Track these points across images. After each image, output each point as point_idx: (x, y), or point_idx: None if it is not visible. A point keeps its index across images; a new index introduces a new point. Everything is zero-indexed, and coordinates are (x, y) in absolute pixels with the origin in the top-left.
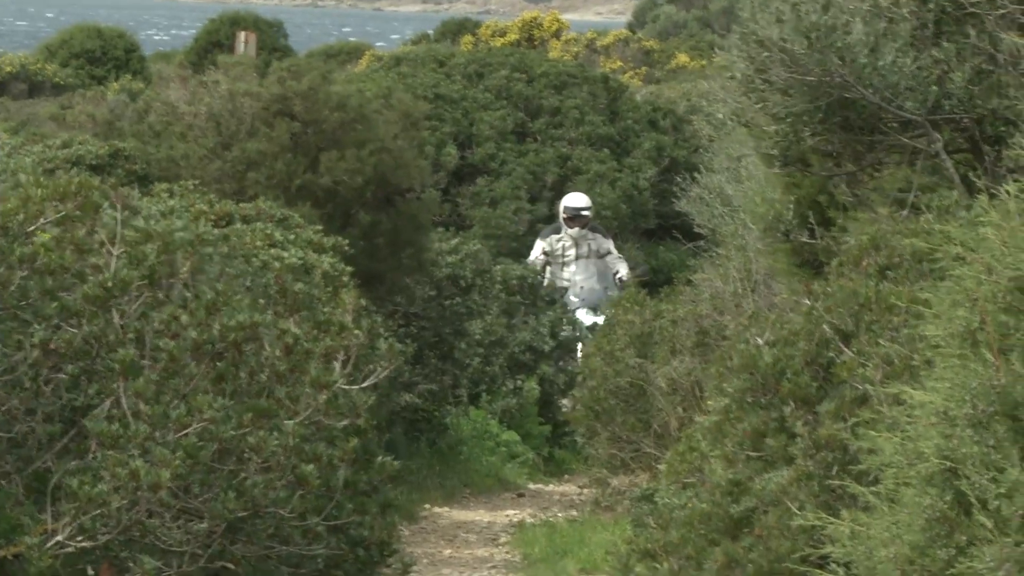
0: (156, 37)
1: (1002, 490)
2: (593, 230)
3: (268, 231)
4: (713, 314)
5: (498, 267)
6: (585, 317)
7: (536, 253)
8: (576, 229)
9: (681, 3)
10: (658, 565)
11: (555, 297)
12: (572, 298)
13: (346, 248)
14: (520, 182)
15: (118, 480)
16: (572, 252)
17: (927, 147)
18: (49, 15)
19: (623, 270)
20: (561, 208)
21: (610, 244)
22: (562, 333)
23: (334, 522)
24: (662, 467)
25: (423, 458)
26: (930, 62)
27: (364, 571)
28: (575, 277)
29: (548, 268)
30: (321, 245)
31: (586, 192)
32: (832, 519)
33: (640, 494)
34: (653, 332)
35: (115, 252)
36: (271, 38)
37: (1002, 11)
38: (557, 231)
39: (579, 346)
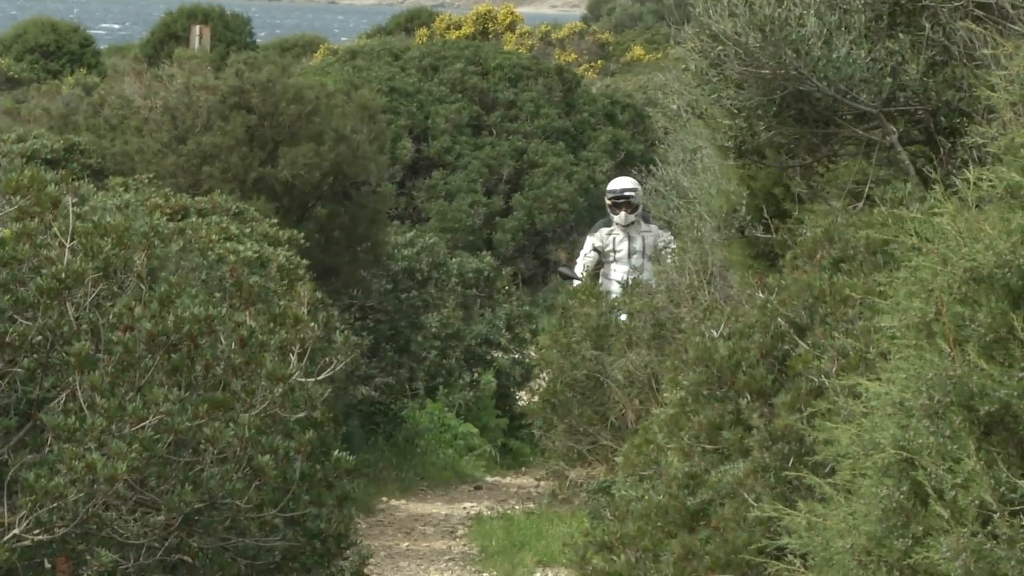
0: (115, 29)
1: (958, 480)
2: (647, 220)
3: (224, 224)
4: (669, 306)
5: (454, 260)
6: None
7: (586, 250)
8: (623, 215)
9: None
10: (615, 557)
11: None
12: (612, 296)
13: (302, 241)
14: (476, 175)
15: (74, 473)
16: (625, 246)
17: (882, 139)
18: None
19: None
20: (606, 195)
21: (669, 237)
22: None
23: (291, 514)
24: (619, 460)
25: (380, 451)
26: (884, 54)
27: (321, 563)
28: (628, 278)
29: (602, 270)
30: (277, 238)
31: (538, 188)
32: (788, 510)
33: (597, 486)
34: (609, 325)
35: (68, 244)
36: (238, 33)
37: (956, 3)
38: (608, 223)
39: None
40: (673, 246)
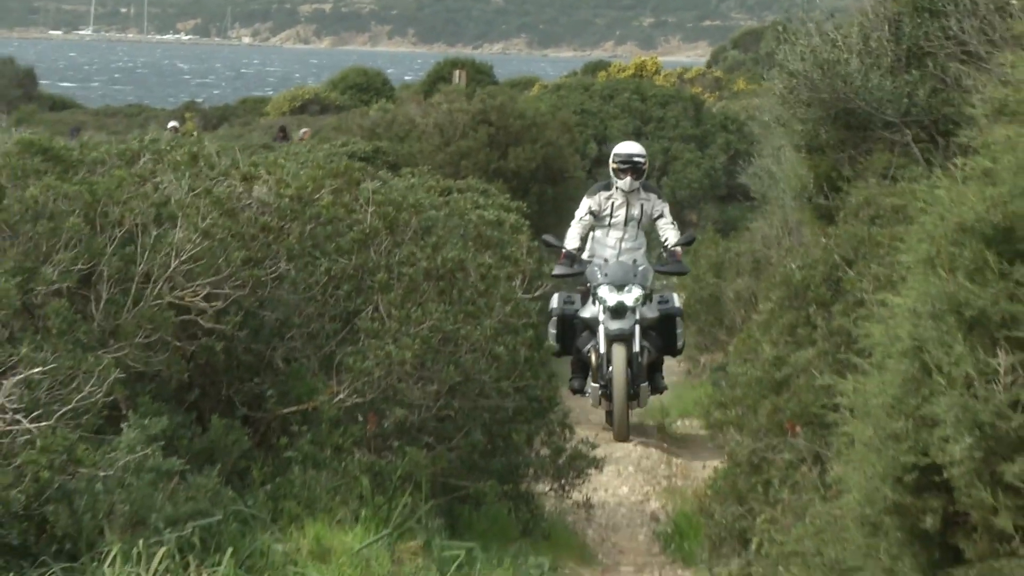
0: (406, 77)
1: (952, 360)
2: (647, 188)
3: (474, 198)
4: (763, 249)
5: None
6: (609, 295)
7: (581, 212)
8: (628, 180)
9: (741, 48)
10: (728, 411)
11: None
12: (597, 271)
13: (525, 209)
14: None
15: (378, 358)
16: (622, 212)
17: (901, 140)
18: (313, 61)
19: (672, 237)
20: (611, 157)
21: (665, 207)
22: (566, 307)
23: (517, 384)
24: (731, 349)
25: None
26: (902, 83)
27: (538, 416)
28: (620, 245)
29: (592, 236)
30: (508, 207)
31: (678, 173)
32: (841, 380)
33: (717, 366)
34: (724, 261)
35: (369, 210)
36: (484, 75)
37: (948, 51)
38: (608, 187)
39: (597, 335)
40: (667, 217)
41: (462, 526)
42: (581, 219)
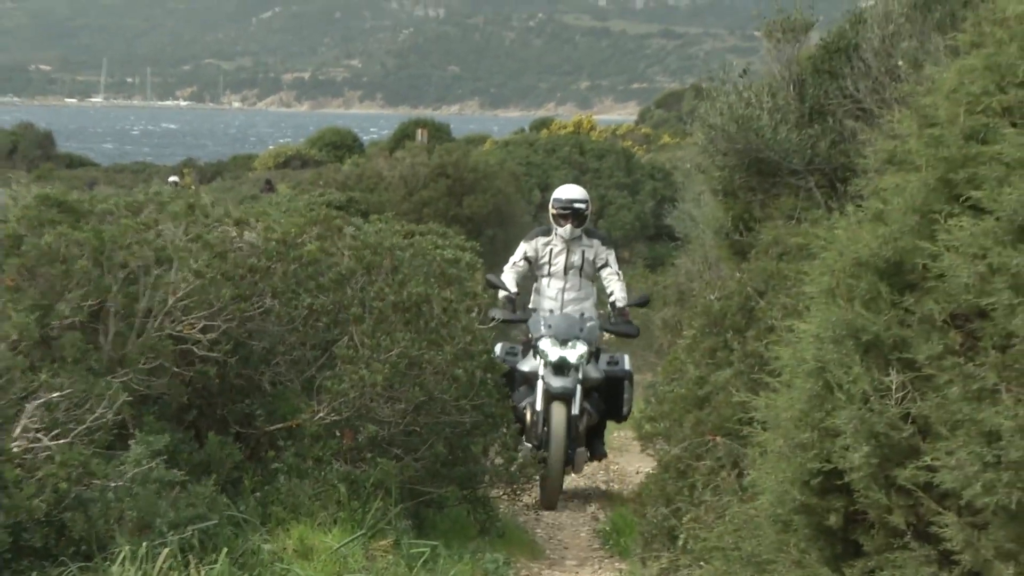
0: (372, 133)
1: (850, 379)
2: (590, 234)
3: (434, 240)
4: (687, 282)
5: None
6: (551, 349)
7: (516, 258)
8: (568, 228)
9: (664, 107)
10: (658, 424)
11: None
12: (540, 323)
13: (478, 248)
14: None
15: (352, 381)
16: (561, 260)
17: (805, 185)
18: (294, 123)
19: (618, 292)
20: (551, 202)
21: (610, 255)
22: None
23: (474, 402)
24: (659, 370)
25: None
26: (806, 136)
27: (492, 431)
28: (562, 296)
29: (534, 285)
30: (464, 247)
31: (612, 216)
32: (755, 397)
33: (648, 384)
34: (653, 293)
35: (346, 253)
36: (443, 133)
37: (845, 108)
38: (547, 233)
39: (535, 391)
40: (612, 267)
41: (428, 527)
42: (515, 264)
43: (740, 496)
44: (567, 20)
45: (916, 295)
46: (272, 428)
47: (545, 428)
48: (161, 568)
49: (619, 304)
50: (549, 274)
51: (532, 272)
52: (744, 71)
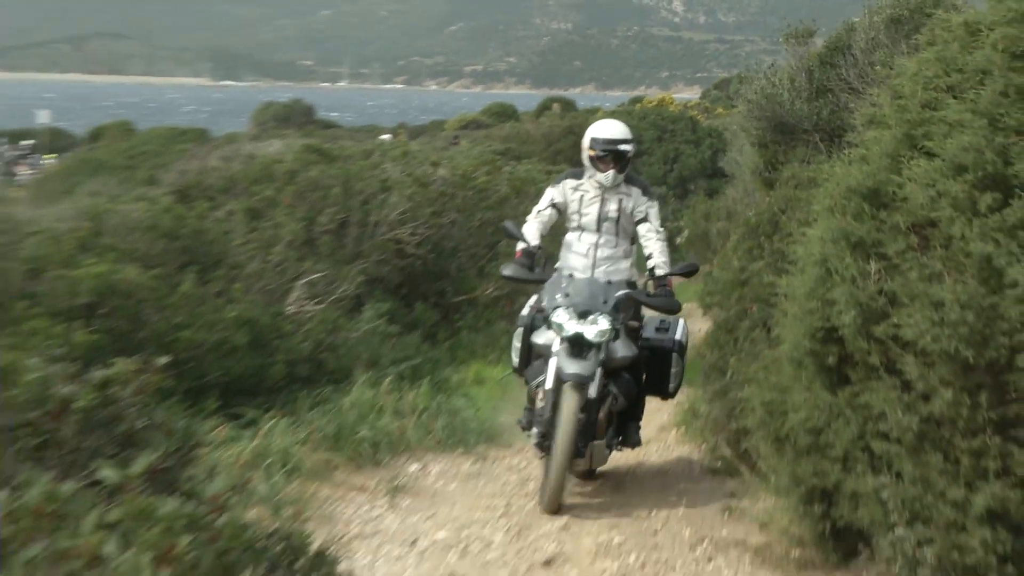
0: (522, 106)
1: (844, 266)
2: (630, 181)
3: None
4: (733, 205)
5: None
6: (567, 322)
7: (542, 205)
8: (611, 174)
9: (719, 89)
10: (714, 297)
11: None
12: (557, 288)
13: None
14: (660, 159)
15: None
16: (594, 210)
17: (813, 140)
18: (472, 99)
19: (658, 256)
20: (587, 142)
21: (652, 209)
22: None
23: None
24: (715, 262)
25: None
26: (814, 107)
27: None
28: (594, 253)
29: (564, 239)
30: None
31: (684, 162)
32: (779, 279)
33: (706, 272)
34: (710, 211)
35: (504, 184)
36: (570, 106)
37: (840, 88)
38: (577, 176)
39: (545, 378)
40: (652, 222)
41: None
42: (540, 212)
43: (769, 344)
44: (653, 31)
45: (888, 211)
46: (457, 299)
47: (553, 414)
48: (385, 389)
49: (659, 272)
50: (580, 226)
51: (561, 222)
52: (771, 64)
